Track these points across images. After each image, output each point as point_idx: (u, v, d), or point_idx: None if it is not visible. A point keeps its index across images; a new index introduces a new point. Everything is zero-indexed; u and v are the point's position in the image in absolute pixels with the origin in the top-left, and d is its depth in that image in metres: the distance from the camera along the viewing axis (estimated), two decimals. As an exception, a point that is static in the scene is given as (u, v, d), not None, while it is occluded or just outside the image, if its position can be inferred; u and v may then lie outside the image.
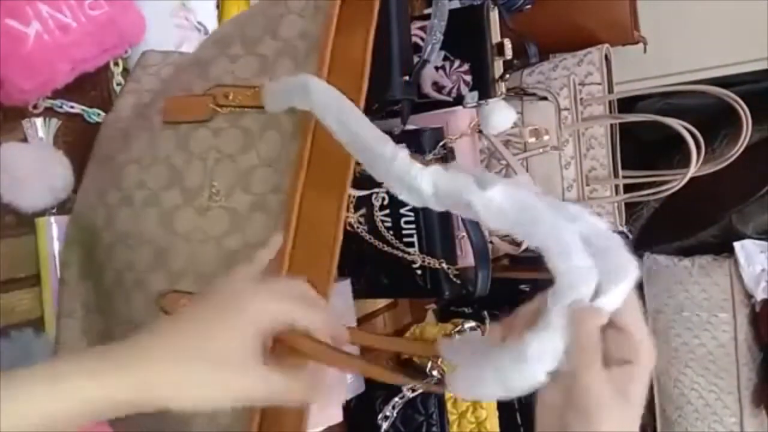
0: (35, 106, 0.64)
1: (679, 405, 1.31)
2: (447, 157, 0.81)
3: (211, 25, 0.69)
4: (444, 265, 0.80)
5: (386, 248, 0.82)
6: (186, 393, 0.41)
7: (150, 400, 0.40)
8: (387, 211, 0.82)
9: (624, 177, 1.05)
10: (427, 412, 0.85)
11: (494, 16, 0.88)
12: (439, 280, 0.81)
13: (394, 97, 0.78)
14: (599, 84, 1.02)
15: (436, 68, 0.89)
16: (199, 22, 0.67)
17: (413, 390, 0.85)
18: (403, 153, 0.45)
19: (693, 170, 0.93)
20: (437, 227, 0.81)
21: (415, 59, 0.82)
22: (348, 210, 0.83)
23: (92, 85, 0.68)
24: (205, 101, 0.56)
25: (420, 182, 0.43)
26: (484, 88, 0.87)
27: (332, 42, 0.52)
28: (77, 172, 0.65)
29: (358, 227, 0.83)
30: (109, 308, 0.61)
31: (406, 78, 0.78)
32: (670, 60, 1.15)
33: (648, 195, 1.00)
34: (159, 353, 0.41)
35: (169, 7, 0.66)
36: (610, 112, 1.03)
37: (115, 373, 0.39)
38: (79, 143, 0.67)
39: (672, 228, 1.31)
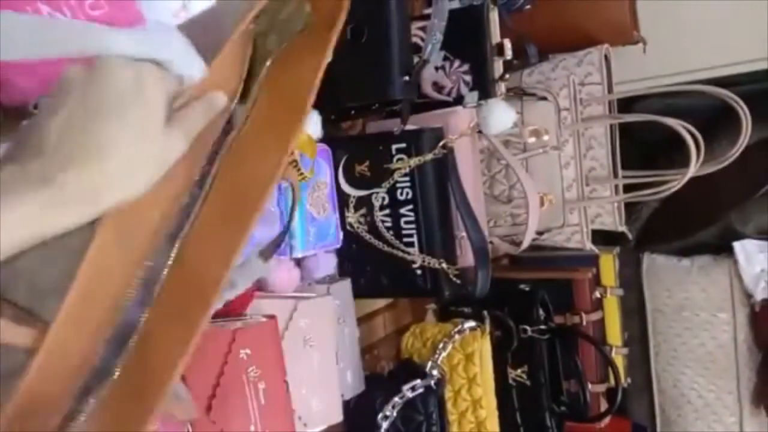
0: (35, 107, 0.64)
1: (678, 405, 1.31)
2: (447, 157, 0.81)
3: (212, 25, 0.69)
4: (444, 265, 0.80)
5: (386, 248, 0.83)
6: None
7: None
8: (387, 211, 0.82)
9: (624, 177, 1.05)
10: (426, 411, 0.85)
11: (494, 16, 0.88)
12: (439, 280, 0.81)
13: (394, 97, 0.79)
14: (599, 84, 1.02)
15: (436, 68, 0.89)
16: (200, 23, 0.67)
17: (413, 390, 0.85)
18: None
19: (693, 170, 0.93)
20: (437, 227, 0.81)
21: (415, 59, 0.82)
22: (348, 210, 0.84)
23: (92, 85, 0.68)
24: None
25: None
26: (484, 88, 0.88)
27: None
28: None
29: (358, 227, 0.83)
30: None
31: (406, 78, 0.79)
32: (670, 60, 1.15)
33: (648, 195, 1.00)
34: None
35: (170, 8, 0.66)
36: (610, 112, 1.03)
37: None
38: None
39: (672, 228, 1.31)
